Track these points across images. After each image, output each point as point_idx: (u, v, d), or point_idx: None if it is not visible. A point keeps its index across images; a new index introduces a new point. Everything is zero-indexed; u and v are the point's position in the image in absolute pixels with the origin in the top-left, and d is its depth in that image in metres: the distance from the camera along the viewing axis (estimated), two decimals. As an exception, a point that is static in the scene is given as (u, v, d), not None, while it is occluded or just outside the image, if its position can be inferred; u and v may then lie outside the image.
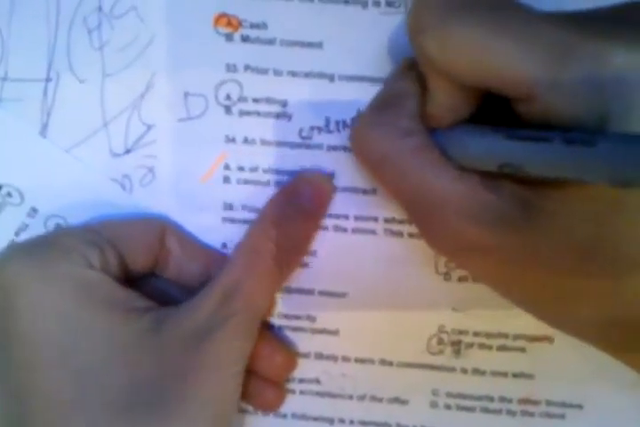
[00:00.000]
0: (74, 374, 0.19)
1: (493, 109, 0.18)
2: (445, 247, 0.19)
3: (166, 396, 0.19)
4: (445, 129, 0.18)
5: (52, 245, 0.21)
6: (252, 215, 0.23)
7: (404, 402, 0.25)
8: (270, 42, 0.22)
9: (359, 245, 0.23)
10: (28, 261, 0.20)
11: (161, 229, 0.23)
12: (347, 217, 0.23)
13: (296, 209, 0.22)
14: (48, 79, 0.23)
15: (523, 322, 0.24)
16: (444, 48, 0.16)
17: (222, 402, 0.21)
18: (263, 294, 0.22)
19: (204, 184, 0.23)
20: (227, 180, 0.23)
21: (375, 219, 0.23)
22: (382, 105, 0.20)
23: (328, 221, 0.23)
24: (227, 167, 0.23)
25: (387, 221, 0.23)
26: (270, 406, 0.25)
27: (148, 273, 0.23)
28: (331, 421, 0.25)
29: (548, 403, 0.24)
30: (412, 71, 0.19)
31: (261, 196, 0.23)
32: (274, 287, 0.23)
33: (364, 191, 0.23)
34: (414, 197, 0.18)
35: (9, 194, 0.24)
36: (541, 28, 0.15)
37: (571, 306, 0.18)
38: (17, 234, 0.24)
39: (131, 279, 0.22)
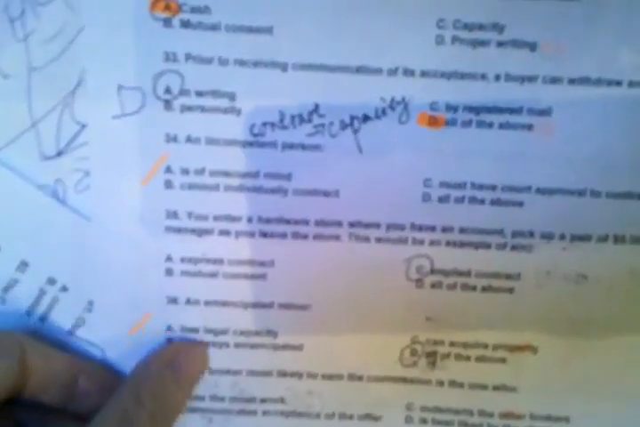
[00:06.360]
0: None
1: None
2: None
3: None
4: None
5: None
6: (198, 224, 0.23)
7: (376, 418, 0.24)
8: (214, 27, 0.21)
9: (321, 252, 0.23)
10: None
11: (20, 348, 0.22)
12: (306, 222, 0.22)
13: (171, 379, 0.22)
14: (-35, 74, 0.22)
15: (503, 331, 0.23)
16: None
17: None
18: None
19: (143, 189, 0.23)
20: (169, 184, 0.22)
21: (339, 223, 0.23)
22: None
23: (285, 228, 0.23)
24: (168, 170, 0.22)
25: (352, 225, 0.23)
26: None
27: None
28: (298, 442, 0.26)
29: (533, 417, 0.24)
30: None
31: (209, 202, 0.23)
32: None
33: (326, 193, 0.22)
34: None
35: None
36: None
37: None
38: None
39: None
